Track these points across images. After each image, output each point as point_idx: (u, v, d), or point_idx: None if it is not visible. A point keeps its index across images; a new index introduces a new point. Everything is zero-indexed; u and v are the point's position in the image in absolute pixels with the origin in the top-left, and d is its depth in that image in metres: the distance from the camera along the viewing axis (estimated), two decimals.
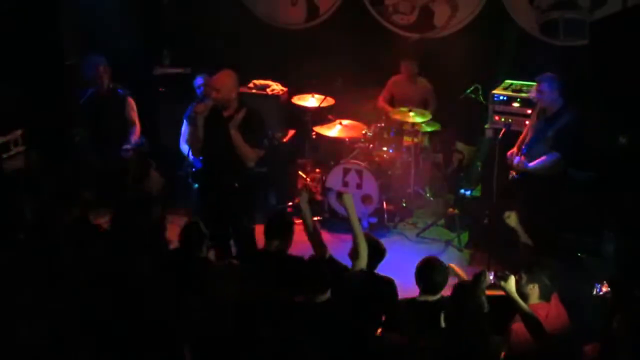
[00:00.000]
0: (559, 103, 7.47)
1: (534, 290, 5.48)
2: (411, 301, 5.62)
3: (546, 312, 5.41)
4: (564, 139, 7.39)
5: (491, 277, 5.89)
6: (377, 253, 6.12)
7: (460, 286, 5.32)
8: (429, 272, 5.55)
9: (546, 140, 7.45)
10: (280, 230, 6.22)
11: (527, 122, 8.03)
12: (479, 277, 5.29)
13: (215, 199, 7.20)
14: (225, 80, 7.01)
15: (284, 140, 9.70)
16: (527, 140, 7.65)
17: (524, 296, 5.45)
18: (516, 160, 7.58)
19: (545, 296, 5.50)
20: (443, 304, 5.37)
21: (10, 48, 8.12)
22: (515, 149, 7.69)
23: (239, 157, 7.00)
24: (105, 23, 8.98)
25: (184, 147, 7.93)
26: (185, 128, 8.37)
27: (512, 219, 6.27)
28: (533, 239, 6.24)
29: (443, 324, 5.20)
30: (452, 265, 6.18)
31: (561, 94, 7.47)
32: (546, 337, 5.23)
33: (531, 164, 7.49)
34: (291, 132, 9.88)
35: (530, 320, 5.27)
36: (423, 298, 5.55)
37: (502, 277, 5.42)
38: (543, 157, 7.45)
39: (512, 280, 5.42)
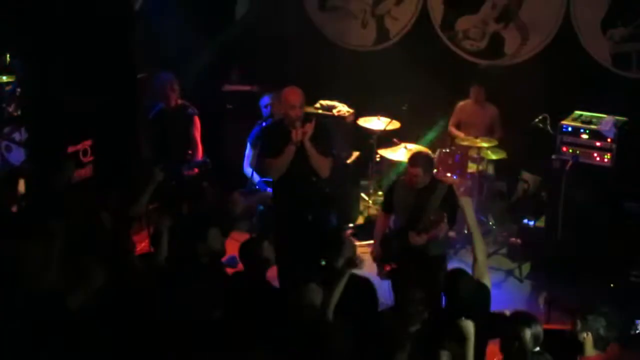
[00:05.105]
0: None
1: (587, 339, 5.23)
2: None
3: None
4: (448, 208, 6.66)
5: None
6: None
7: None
8: (451, 286, 5.67)
9: (428, 212, 6.65)
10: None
11: (595, 155, 7.93)
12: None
13: (289, 219, 7.10)
14: (300, 97, 6.95)
15: (348, 161, 9.71)
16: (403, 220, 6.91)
17: (578, 344, 5.28)
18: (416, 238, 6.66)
19: (599, 346, 5.26)
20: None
21: (84, 61, 8.30)
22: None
23: (313, 172, 6.96)
24: (175, 38, 9.13)
25: (248, 170, 7.93)
26: (249, 151, 8.41)
27: None
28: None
29: None
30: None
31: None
32: None
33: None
34: (355, 154, 9.90)
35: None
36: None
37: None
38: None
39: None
